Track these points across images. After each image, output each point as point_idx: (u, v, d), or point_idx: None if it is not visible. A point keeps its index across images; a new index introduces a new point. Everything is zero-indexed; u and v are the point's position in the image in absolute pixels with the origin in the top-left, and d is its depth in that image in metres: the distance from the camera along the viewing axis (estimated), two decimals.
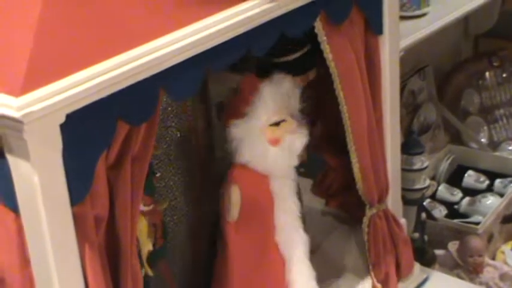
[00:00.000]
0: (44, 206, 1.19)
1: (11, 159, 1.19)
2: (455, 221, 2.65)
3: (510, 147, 3.13)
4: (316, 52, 1.71)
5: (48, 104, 1.15)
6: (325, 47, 1.65)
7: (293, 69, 1.75)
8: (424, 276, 2.07)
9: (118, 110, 1.27)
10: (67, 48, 1.21)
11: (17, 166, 1.18)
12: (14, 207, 1.23)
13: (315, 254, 1.96)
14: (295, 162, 1.70)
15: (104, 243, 1.33)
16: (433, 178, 2.88)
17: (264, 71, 1.72)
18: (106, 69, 1.22)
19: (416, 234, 2.37)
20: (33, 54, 1.17)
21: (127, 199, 1.34)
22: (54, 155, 1.19)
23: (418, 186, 2.36)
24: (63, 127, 1.19)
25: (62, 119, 1.18)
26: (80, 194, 1.24)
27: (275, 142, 1.65)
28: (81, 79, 1.19)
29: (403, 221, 2.04)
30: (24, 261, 1.26)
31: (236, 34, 1.41)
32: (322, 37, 1.64)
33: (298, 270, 1.72)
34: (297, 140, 1.67)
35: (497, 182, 2.87)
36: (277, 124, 1.65)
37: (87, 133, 1.23)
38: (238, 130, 1.63)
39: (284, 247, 1.71)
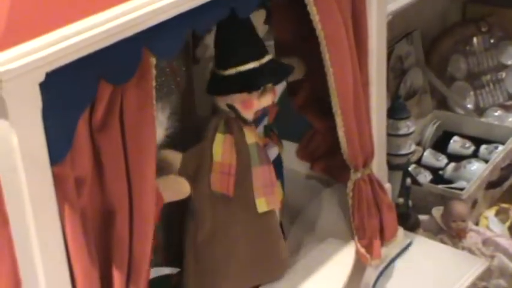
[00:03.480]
0: (23, 166, 1.18)
1: None
2: (440, 186, 2.65)
3: (496, 113, 3.12)
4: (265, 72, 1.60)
5: (28, 62, 1.13)
6: (312, 9, 1.63)
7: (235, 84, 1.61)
8: (408, 241, 2.07)
9: (99, 69, 1.25)
10: (47, 5, 1.18)
11: None
12: None
13: (299, 217, 1.97)
14: None
15: (91, 208, 1.32)
16: (418, 143, 2.88)
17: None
18: (87, 27, 1.20)
19: (401, 199, 2.37)
20: (12, 11, 1.14)
21: (119, 161, 1.33)
22: (34, 114, 1.17)
23: (403, 152, 2.35)
24: (43, 86, 1.17)
25: (42, 78, 1.16)
26: (60, 154, 1.22)
27: None
28: (62, 37, 1.17)
29: (387, 185, 2.03)
30: (3, 221, 1.24)
31: None
32: None
33: None
34: None
35: (483, 148, 2.87)
36: None
37: (67, 92, 1.21)
38: None
39: None
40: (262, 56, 1.62)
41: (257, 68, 1.61)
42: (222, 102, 1.64)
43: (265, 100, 1.64)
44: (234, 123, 1.65)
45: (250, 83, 1.61)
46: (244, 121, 1.65)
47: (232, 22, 1.53)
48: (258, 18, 1.77)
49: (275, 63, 1.65)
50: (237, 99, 1.62)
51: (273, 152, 1.83)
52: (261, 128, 1.80)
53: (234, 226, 1.69)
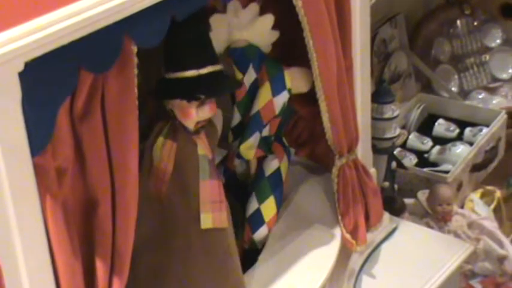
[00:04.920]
0: (3, 157, 1.16)
1: None
2: (425, 169, 2.65)
3: (480, 96, 3.13)
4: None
5: (6, 51, 1.11)
6: None
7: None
8: (394, 225, 2.07)
9: (79, 58, 1.23)
10: None
11: None
12: None
13: (284, 203, 1.96)
14: None
15: (73, 199, 1.31)
16: (403, 127, 2.87)
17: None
18: (66, 15, 1.18)
19: (387, 183, 2.36)
20: None
21: (101, 151, 1.32)
22: (13, 104, 1.16)
23: (388, 135, 2.34)
24: (22, 75, 1.15)
25: (21, 67, 1.14)
26: (41, 144, 1.21)
27: None
28: (41, 25, 1.15)
29: (372, 170, 2.03)
30: None
31: None
32: None
33: None
34: None
35: (467, 130, 2.87)
36: None
37: (47, 82, 1.20)
38: None
39: None
40: (202, 66, 1.55)
41: (194, 78, 1.55)
42: (166, 105, 1.59)
43: (202, 112, 1.57)
44: (181, 130, 1.59)
45: (182, 92, 1.56)
46: (187, 129, 1.59)
47: (182, 26, 1.48)
48: (265, 23, 1.76)
49: (217, 76, 1.57)
50: (176, 106, 1.57)
51: (271, 165, 1.82)
52: (254, 139, 1.78)
53: (176, 238, 1.61)
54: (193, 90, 1.55)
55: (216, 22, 1.72)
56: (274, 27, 1.78)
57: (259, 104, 1.78)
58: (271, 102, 1.78)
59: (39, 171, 1.22)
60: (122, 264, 1.38)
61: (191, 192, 1.60)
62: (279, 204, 1.84)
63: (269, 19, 1.75)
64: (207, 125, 1.62)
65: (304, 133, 2.03)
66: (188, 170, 1.59)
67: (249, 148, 1.79)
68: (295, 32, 1.71)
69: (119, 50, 1.29)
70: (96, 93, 1.29)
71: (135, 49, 1.33)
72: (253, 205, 1.82)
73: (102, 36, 1.24)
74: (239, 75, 1.78)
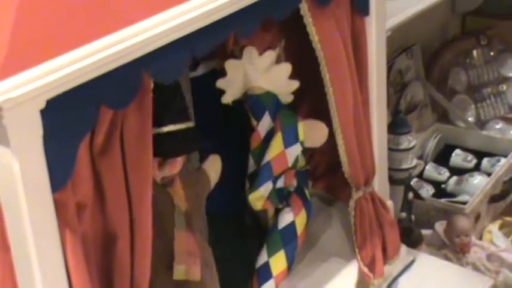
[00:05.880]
0: (24, 193, 1.18)
1: None
2: (443, 200, 2.64)
3: (497, 126, 3.12)
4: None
5: (28, 90, 1.13)
6: (311, 29, 1.63)
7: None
8: (411, 258, 2.06)
9: (100, 94, 1.25)
10: (47, 33, 1.19)
11: None
12: None
13: None
14: None
15: (92, 234, 1.32)
16: (420, 157, 2.86)
17: None
18: (87, 54, 1.20)
19: (404, 214, 2.36)
20: (13, 39, 1.15)
21: (120, 186, 1.33)
22: (35, 141, 1.18)
23: (405, 166, 2.35)
24: (44, 113, 1.17)
25: (43, 105, 1.16)
26: (61, 180, 1.22)
27: None
28: (62, 64, 1.17)
29: (389, 203, 2.03)
30: (5, 248, 1.24)
31: (220, 17, 1.39)
32: (307, 19, 1.62)
33: None
34: None
35: (485, 161, 2.87)
36: None
37: (68, 118, 1.22)
38: None
39: None
40: (159, 125, 1.51)
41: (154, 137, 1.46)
42: None
43: (163, 171, 1.55)
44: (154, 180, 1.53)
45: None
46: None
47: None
48: (281, 72, 1.77)
49: (175, 136, 1.53)
50: None
51: (285, 218, 1.81)
52: (264, 189, 1.77)
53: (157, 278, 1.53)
54: None
55: (232, 68, 1.74)
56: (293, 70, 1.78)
57: (271, 154, 1.77)
58: (283, 153, 1.78)
59: (59, 207, 1.23)
60: None
61: (167, 240, 1.56)
62: (291, 259, 1.80)
63: (285, 68, 1.77)
64: (188, 175, 1.62)
65: (321, 165, 2.04)
66: (164, 217, 1.56)
67: (258, 199, 1.78)
68: (311, 71, 1.73)
69: (139, 86, 1.31)
70: (115, 130, 1.30)
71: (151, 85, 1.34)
72: (262, 257, 1.80)
73: (122, 72, 1.26)
74: (253, 122, 1.79)
